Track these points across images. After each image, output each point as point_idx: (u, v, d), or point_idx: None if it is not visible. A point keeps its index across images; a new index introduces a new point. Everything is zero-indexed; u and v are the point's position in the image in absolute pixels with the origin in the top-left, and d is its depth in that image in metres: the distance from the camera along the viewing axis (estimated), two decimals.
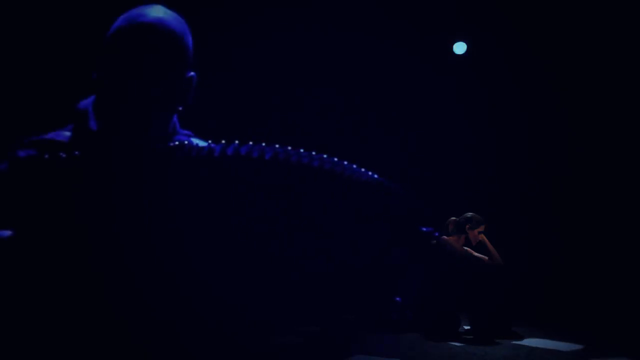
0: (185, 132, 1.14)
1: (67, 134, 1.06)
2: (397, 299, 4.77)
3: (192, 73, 1.11)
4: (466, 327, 3.81)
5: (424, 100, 7.24)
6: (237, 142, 0.81)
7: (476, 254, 4.15)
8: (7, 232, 0.79)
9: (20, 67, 4.48)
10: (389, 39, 7.04)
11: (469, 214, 4.37)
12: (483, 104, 6.71)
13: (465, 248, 4.13)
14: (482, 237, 4.25)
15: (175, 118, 1.12)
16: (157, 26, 1.03)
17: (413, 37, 6.88)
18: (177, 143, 0.82)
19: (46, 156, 0.77)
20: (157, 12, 1.07)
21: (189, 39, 1.09)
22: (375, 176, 0.87)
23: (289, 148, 0.82)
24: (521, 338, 3.63)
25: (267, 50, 6.72)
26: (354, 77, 7.80)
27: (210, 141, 0.86)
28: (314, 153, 0.84)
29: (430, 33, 6.89)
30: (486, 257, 4.14)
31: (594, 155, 5.78)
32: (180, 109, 1.10)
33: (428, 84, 7.19)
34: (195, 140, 1.09)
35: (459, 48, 6.83)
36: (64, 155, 0.76)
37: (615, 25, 5.55)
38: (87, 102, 1.09)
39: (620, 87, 5.62)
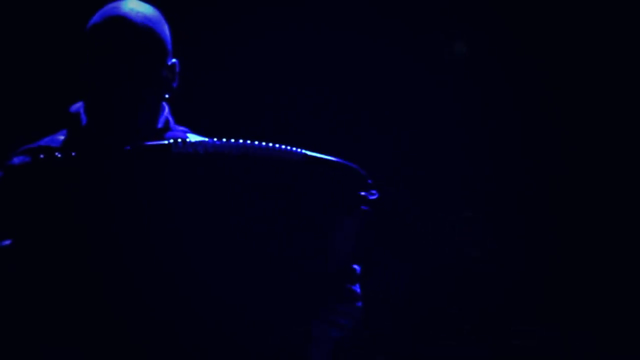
0: (181, 128, 1.16)
1: (62, 138, 1.07)
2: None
3: (174, 60, 1.13)
4: (461, 326, 3.75)
5: (419, 98, 7.23)
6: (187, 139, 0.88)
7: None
8: (7, 242, 0.81)
9: (10, 73, 4.44)
10: (383, 38, 7.02)
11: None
12: (478, 102, 6.71)
13: None
14: None
15: (168, 114, 1.14)
16: (131, 18, 1.05)
17: (407, 36, 6.87)
18: (171, 140, 0.87)
19: (41, 156, 0.77)
20: (130, 4, 1.08)
21: (165, 28, 1.12)
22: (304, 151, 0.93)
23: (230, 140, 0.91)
24: (520, 337, 3.60)
25: (260, 49, 6.69)
26: (349, 75, 7.79)
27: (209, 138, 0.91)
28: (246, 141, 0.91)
29: (425, 32, 6.87)
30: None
31: (590, 154, 5.79)
32: (167, 96, 1.12)
33: (423, 82, 7.18)
34: (191, 136, 1.11)
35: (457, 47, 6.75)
36: (59, 155, 0.76)
37: (611, 25, 5.56)
38: (79, 105, 1.12)
39: (617, 86, 5.64)
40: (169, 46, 1.11)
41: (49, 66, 4.47)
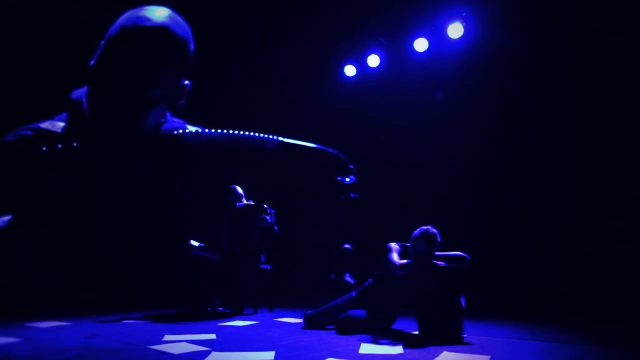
0: (177, 120, 1.19)
1: (61, 124, 1.10)
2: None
3: (186, 82, 1.15)
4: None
5: (414, 93, 7.23)
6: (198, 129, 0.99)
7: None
8: (7, 217, 0.86)
9: (9, 60, 4.46)
10: (380, 28, 7.01)
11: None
12: (473, 98, 6.71)
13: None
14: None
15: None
16: (160, 34, 1.06)
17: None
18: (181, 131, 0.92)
19: (44, 148, 0.81)
20: (163, 16, 1.08)
21: (190, 46, 1.13)
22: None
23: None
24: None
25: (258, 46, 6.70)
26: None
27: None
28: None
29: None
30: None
31: (589, 152, 5.79)
32: (168, 113, 1.15)
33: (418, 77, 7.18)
34: (189, 127, 1.15)
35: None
36: (60, 146, 0.80)
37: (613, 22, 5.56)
38: (80, 92, 1.13)
39: (615, 84, 5.63)
40: (187, 66, 1.13)
41: (42, 58, 4.49)
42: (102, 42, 0.98)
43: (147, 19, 0.92)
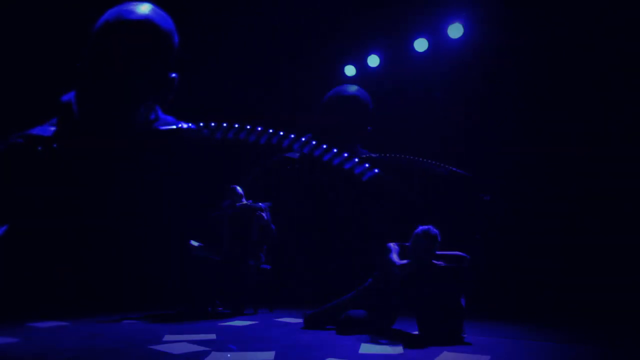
0: (169, 118, 1.19)
1: (52, 128, 1.10)
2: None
3: (174, 74, 1.15)
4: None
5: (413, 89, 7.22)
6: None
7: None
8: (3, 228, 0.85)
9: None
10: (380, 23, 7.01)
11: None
12: (471, 94, 6.70)
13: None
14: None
15: (156, 106, 1.17)
16: (144, 26, 1.06)
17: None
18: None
19: (40, 148, 0.81)
20: (145, 10, 1.09)
21: (175, 39, 1.13)
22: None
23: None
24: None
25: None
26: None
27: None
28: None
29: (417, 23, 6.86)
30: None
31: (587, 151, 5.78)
32: (158, 107, 1.14)
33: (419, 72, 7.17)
34: (183, 125, 1.14)
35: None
36: (55, 146, 0.80)
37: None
38: (69, 95, 1.13)
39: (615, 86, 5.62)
40: (172, 58, 1.13)
41: (31, 62, 4.47)
42: (89, 40, 1.00)
43: (131, 12, 0.94)
